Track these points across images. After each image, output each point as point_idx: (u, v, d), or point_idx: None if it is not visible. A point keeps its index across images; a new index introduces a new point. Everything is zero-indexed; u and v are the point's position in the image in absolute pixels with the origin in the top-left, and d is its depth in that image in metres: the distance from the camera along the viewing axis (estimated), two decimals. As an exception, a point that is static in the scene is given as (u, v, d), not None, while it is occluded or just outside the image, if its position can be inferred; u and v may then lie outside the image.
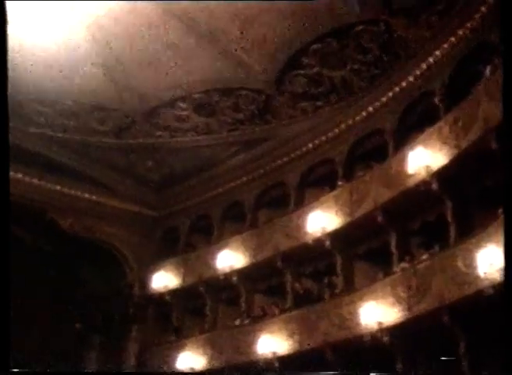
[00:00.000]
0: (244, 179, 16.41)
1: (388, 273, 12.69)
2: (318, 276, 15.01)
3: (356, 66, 13.01)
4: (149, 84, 14.04)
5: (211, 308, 16.54)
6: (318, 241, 13.91)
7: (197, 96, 14.20)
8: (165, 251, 17.74)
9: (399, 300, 11.65)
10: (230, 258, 15.51)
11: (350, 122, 14.27)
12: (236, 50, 12.97)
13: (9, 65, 14.74)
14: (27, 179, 16.37)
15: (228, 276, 15.61)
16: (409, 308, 11.36)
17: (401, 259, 12.55)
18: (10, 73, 15.96)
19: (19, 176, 16.22)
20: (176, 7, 12.14)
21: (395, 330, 11.60)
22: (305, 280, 15.24)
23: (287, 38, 12.61)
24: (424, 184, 11.73)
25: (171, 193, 17.81)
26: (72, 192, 16.92)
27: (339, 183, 14.25)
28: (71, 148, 16.25)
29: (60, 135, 15.83)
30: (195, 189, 17.33)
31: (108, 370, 15.86)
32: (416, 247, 13.02)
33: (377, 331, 11.71)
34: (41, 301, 16.76)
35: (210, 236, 17.08)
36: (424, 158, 11.72)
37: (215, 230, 16.95)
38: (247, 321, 15.29)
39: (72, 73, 13.97)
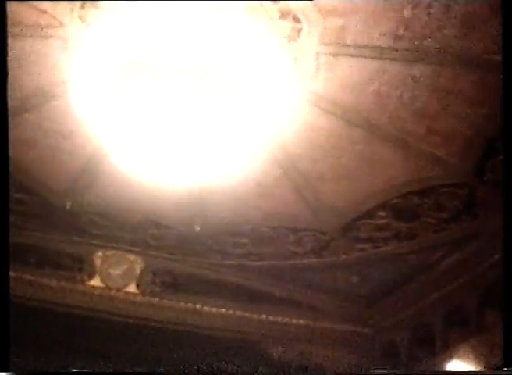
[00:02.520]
0: (461, 280, 15.07)
1: None
2: None
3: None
4: (342, 198, 13.58)
5: (442, 424, 15.31)
6: (559, 336, 12.55)
7: (395, 201, 13.45)
8: (386, 369, 16.71)
9: None
10: (460, 368, 14.35)
11: None
12: (425, 147, 12.34)
13: (200, 203, 14.84)
14: (231, 312, 16.46)
15: (460, 387, 14.44)
16: None
17: None
18: (200, 212, 16.10)
19: (223, 310, 16.34)
20: (355, 116, 11.79)
21: None
22: (549, 382, 13.74)
23: (480, 124, 11.74)
24: None
25: (382, 306, 16.94)
26: (279, 319, 16.63)
27: None
28: (270, 275, 16.12)
29: (257, 263, 15.76)
30: (408, 299, 16.31)
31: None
32: None
33: None
34: None
35: (433, 346, 15.84)
36: None
37: (438, 338, 15.69)
38: None
39: (263, 199, 13.94)
